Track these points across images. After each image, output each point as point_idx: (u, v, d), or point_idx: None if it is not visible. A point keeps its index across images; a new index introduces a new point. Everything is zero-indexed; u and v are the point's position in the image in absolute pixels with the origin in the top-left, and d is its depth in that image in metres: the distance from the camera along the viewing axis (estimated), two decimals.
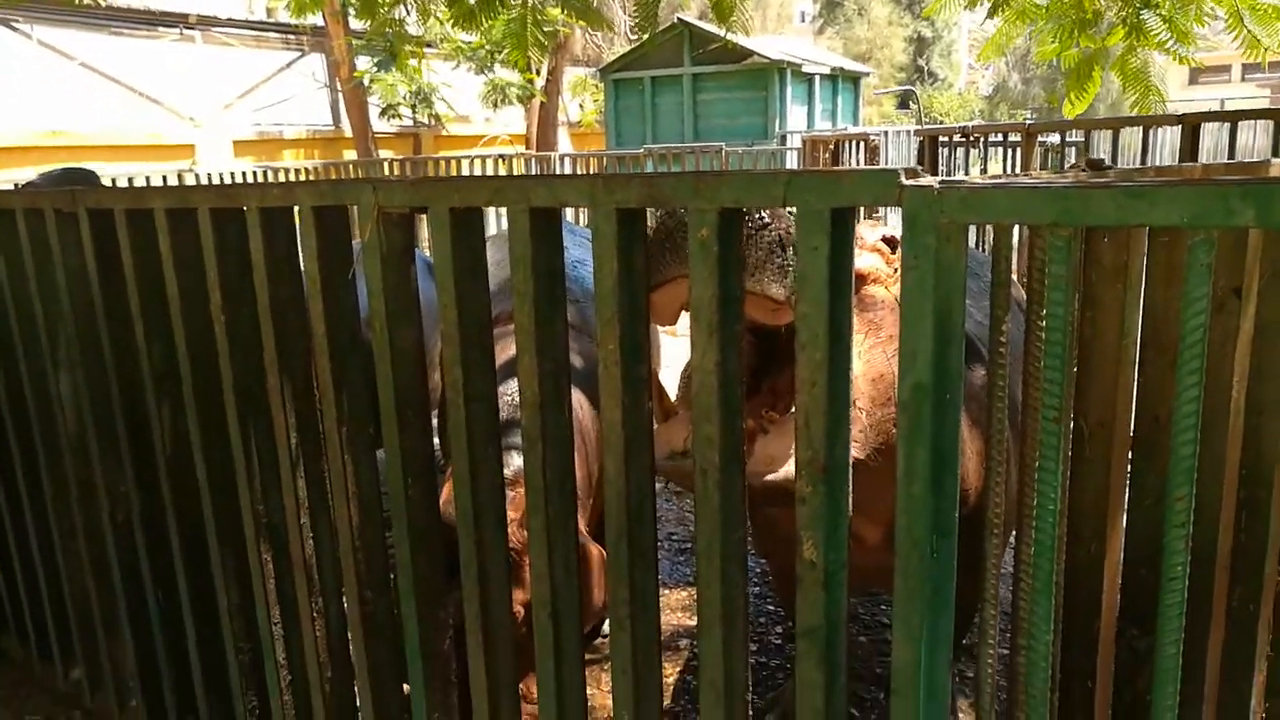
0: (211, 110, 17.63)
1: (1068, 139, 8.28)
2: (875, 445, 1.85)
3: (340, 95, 18.60)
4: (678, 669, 3.28)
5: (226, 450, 2.19)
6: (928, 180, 1.15)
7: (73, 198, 2.31)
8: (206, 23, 17.64)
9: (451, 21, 5.96)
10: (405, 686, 2.05)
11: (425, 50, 17.81)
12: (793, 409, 1.85)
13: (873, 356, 1.88)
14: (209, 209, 1.99)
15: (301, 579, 2.14)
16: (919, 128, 11.04)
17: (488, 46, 16.57)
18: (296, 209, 1.87)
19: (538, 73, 17.71)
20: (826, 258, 1.23)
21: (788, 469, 1.72)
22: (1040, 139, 7.91)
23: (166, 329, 2.22)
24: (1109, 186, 1.01)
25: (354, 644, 2.11)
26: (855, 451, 1.72)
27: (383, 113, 18.31)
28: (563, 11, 6.66)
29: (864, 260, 1.99)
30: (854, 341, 1.63)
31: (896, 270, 1.99)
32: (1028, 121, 7.78)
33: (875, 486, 1.67)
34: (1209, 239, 1.00)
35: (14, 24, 15.31)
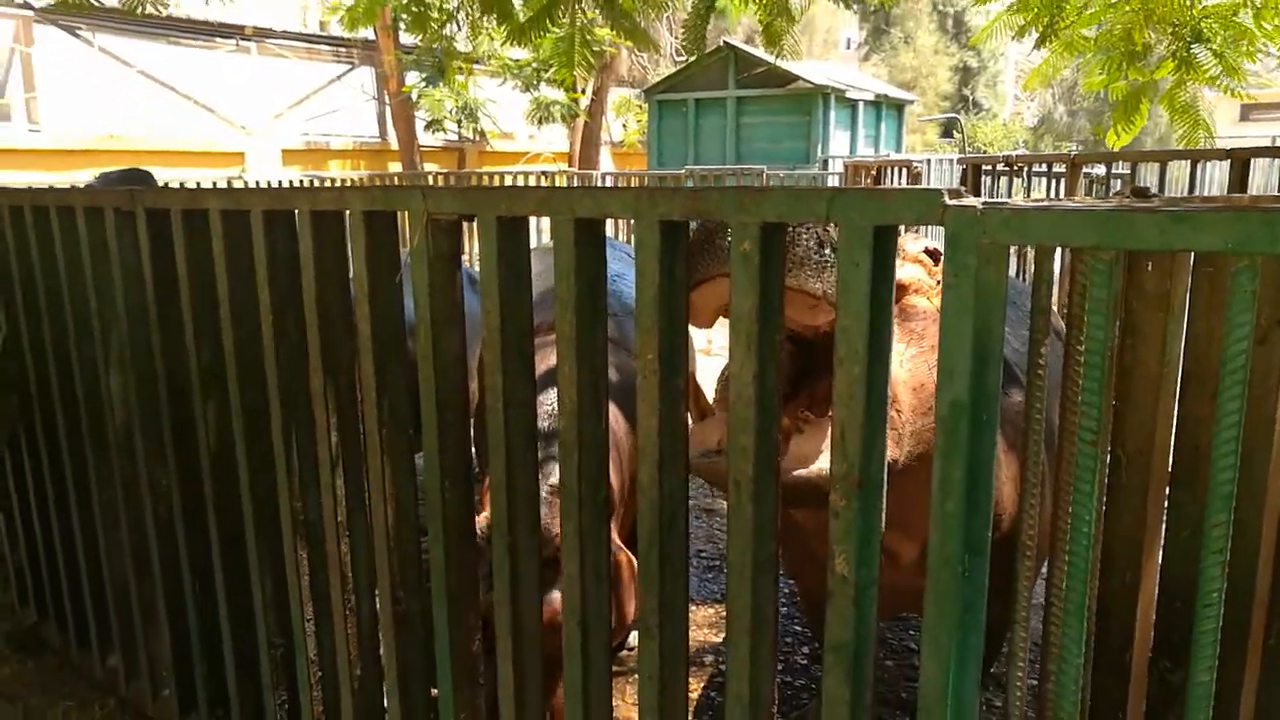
0: (263, 119, 17.99)
1: (1113, 171, 8.21)
2: (915, 452, 1.85)
3: (388, 108, 18.90)
4: (702, 684, 3.28)
5: (268, 448, 2.23)
6: (971, 200, 1.17)
7: (131, 197, 2.38)
8: (262, 34, 18.03)
9: (503, 38, 6.05)
10: (434, 690, 2.08)
11: (473, 67, 18.06)
12: (829, 412, 1.86)
13: (915, 366, 1.89)
14: (261, 211, 2.04)
15: (336, 577, 2.18)
16: (962, 156, 11.00)
17: (534, 64, 16.77)
18: (347, 213, 1.92)
19: (583, 92, 17.88)
20: (868, 275, 1.25)
21: (820, 466, 1.72)
22: (1085, 170, 7.84)
23: (215, 329, 2.28)
24: (1152, 211, 1.02)
25: (384, 644, 2.13)
26: (894, 453, 1.72)
27: (428, 126, 18.56)
28: (611, 31, 6.74)
29: (906, 271, 2.00)
30: (896, 350, 1.64)
31: (939, 282, 1.99)
32: (1073, 152, 7.73)
33: (913, 498, 1.67)
34: (1253, 265, 1.00)
35: (77, 31, 15.75)
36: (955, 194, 1.17)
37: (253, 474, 2.30)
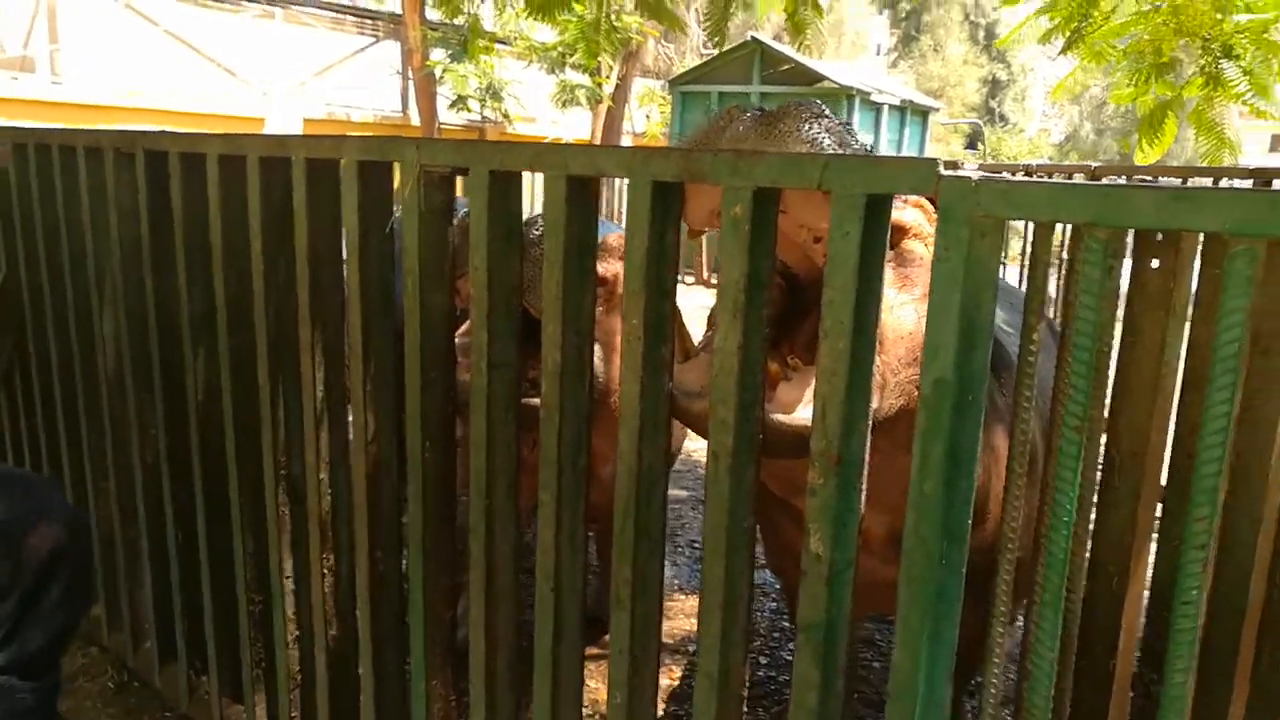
0: (285, 87, 17.98)
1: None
2: (896, 405, 1.75)
3: (411, 84, 18.84)
4: (684, 673, 3.26)
5: (254, 398, 2.21)
6: (966, 172, 1.13)
7: (131, 139, 2.36)
8: (289, 1, 18.01)
9: (526, 12, 6.03)
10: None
11: (498, 47, 17.99)
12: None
13: (903, 313, 1.77)
14: (258, 157, 2.02)
15: (315, 534, 2.16)
16: (983, 164, 10.91)
17: (561, 48, 16.69)
18: (342, 162, 1.89)
19: (608, 78, 17.81)
20: (858, 244, 1.21)
21: (803, 416, 1.64)
22: (1105, 181, 7.76)
23: (208, 275, 2.26)
24: (1151, 188, 0.99)
25: (359, 603, 2.11)
26: (874, 403, 1.62)
27: (452, 105, 18.50)
28: (639, 13, 6.71)
29: (906, 214, 1.88)
30: (886, 295, 1.56)
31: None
32: (1094, 165, 7.66)
33: (888, 458, 1.59)
34: (1251, 250, 0.96)
35: None
36: (951, 164, 1.14)
37: (238, 424, 2.28)
